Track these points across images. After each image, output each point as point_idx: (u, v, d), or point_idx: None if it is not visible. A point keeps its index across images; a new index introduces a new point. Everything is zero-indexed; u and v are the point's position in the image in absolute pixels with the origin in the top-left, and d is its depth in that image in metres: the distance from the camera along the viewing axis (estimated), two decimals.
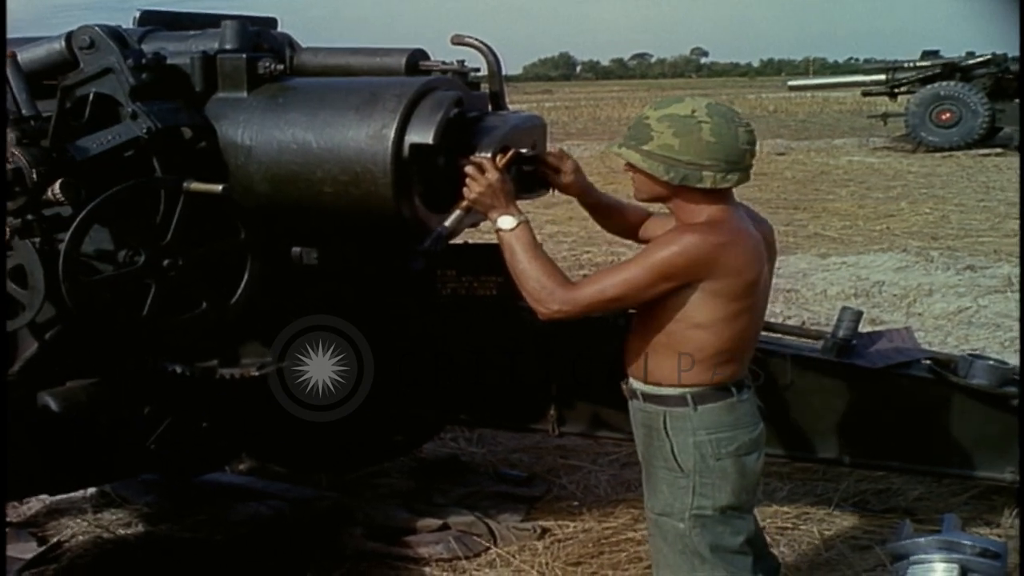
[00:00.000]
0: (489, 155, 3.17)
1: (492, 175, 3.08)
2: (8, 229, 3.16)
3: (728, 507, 3.05)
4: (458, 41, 3.65)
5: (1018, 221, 12.69)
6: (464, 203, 3.15)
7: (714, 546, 3.05)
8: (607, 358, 4.08)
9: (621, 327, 4.07)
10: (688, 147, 2.87)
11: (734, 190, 3.01)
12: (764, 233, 3.11)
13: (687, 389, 3.00)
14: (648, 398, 3.09)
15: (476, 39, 3.65)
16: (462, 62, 3.69)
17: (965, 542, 3.24)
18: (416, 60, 3.68)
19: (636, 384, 3.14)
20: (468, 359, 4.20)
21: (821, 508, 4.85)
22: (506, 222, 3.05)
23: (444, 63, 3.66)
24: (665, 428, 3.04)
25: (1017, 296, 9.03)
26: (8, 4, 3.24)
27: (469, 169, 3.11)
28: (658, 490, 3.11)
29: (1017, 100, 21.75)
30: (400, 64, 3.67)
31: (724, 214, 2.96)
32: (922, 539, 3.30)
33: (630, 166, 2.99)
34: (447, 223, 3.22)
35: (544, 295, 2.95)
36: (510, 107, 3.88)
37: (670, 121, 2.90)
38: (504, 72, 3.86)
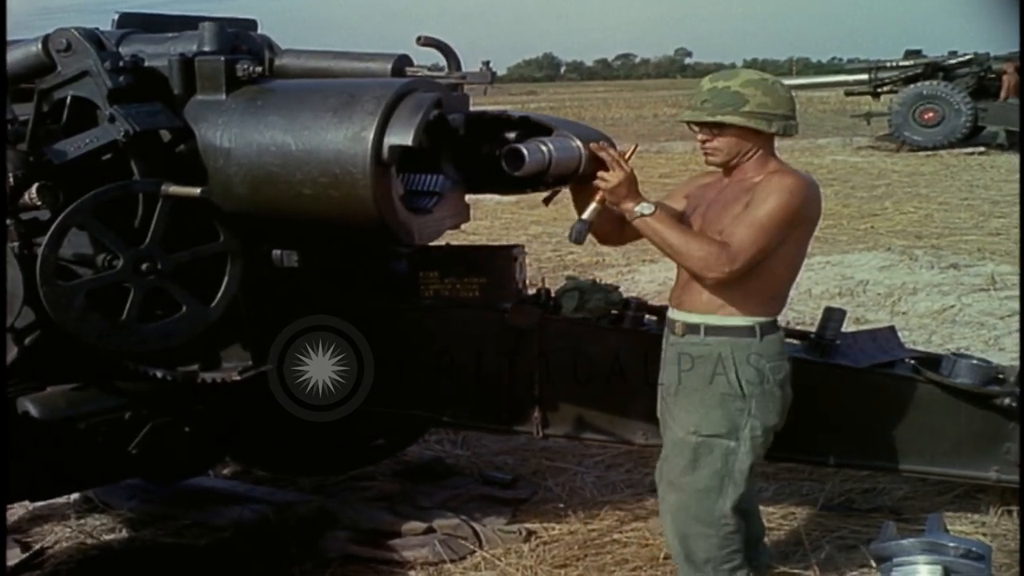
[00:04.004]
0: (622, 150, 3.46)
1: (627, 168, 3.40)
2: None
3: (771, 428, 3.49)
4: (427, 42, 3.68)
5: (1001, 220, 12.75)
6: (600, 196, 3.44)
7: (751, 465, 3.48)
8: (592, 360, 4.09)
9: (604, 328, 4.09)
10: (779, 103, 3.37)
11: None
12: None
13: (756, 319, 3.41)
14: (711, 330, 3.43)
15: (438, 40, 3.70)
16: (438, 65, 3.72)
17: (949, 543, 3.24)
18: (402, 66, 3.68)
19: (697, 317, 3.47)
20: (452, 361, 4.19)
21: (807, 508, 4.85)
22: (646, 208, 3.38)
23: (429, 68, 3.67)
24: (732, 356, 3.40)
25: (1000, 295, 9.06)
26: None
27: (608, 160, 3.40)
28: (709, 415, 3.44)
29: (999, 100, 21.83)
30: (385, 70, 3.68)
31: (787, 164, 3.48)
32: (906, 541, 3.30)
33: (714, 132, 3.38)
34: (585, 215, 3.45)
35: (713, 261, 3.29)
36: (493, 108, 3.90)
37: (755, 85, 3.35)
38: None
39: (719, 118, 3.35)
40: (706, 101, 3.38)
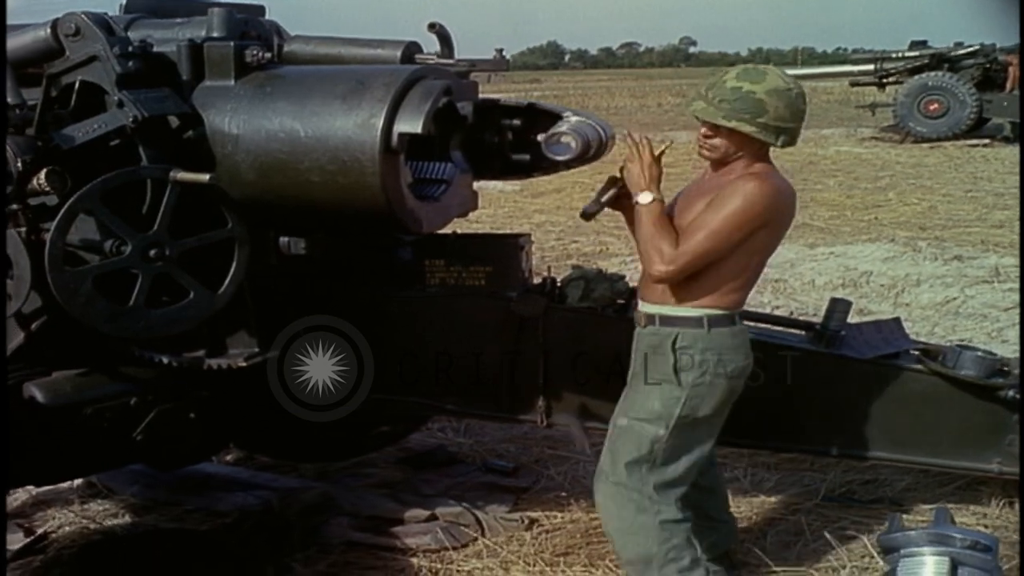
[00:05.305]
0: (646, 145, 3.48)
1: (648, 157, 3.45)
2: None
3: (704, 418, 3.50)
4: (440, 29, 3.71)
5: (1005, 212, 12.74)
6: (615, 177, 3.56)
7: (681, 451, 3.50)
8: (597, 349, 4.09)
9: (609, 318, 4.09)
10: (794, 116, 3.36)
11: None
12: None
13: (705, 311, 3.42)
14: (664, 320, 3.48)
15: (442, 26, 3.73)
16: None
17: (956, 535, 3.24)
18: (411, 53, 3.69)
19: (653, 308, 3.51)
20: (457, 349, 4.19)
21: (808, 499, 4.86)
22: (644, 197, 3.42)
23: (438, 55, 3.68)
24: (674, 346, 3.43)
25: (1004, 287, 9.05)
26: None
27: (632, 145, 3.48)
28: (645, 402, 3.50)
29: (1004, 92, 21.80)
30: (395, 57, 3.68)
31: (772, 167, 3.47)
32: (913, 532, 3.30)
33: (718, 131, 3.37)
34: (604, 199, 3.59)
35: (654, 256, 3.36)
36: (497, 95, 3.91)
37: (778, 96, 3.32)
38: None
39: (734, 124, 3.33)
40: (724, 101, 3.33)
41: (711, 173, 3.53)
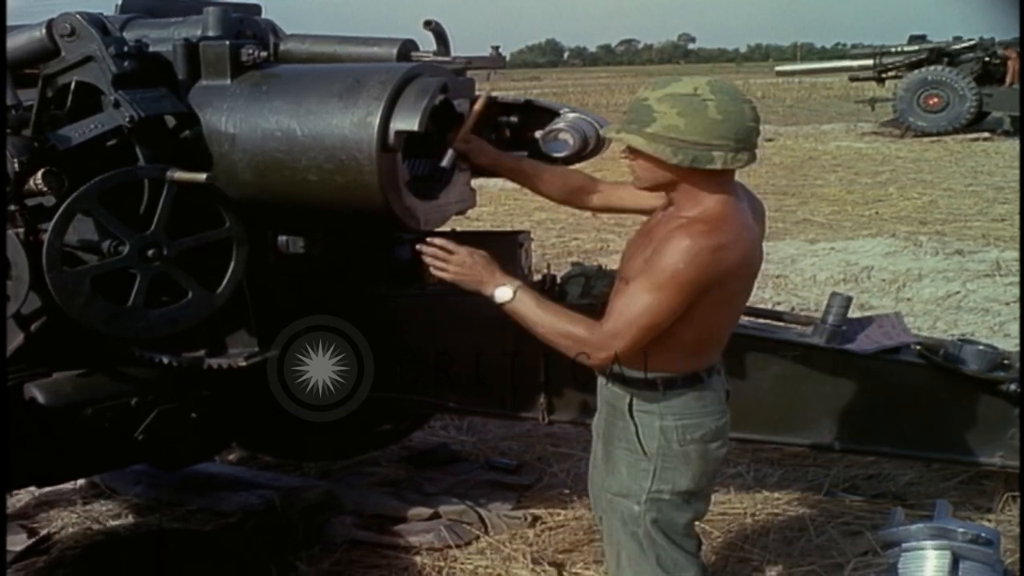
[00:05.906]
0: (447, 240, 3.12)
1: (460, 255, 3.04)
2: None
3: (686, 491, 3.03)
4: (436, 27, 3.70)
5: (1005, 206, 12.74)
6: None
7: (666, 528, 3.04)
8: None
9: None
10: (695, 127, 2.71)
11: None
12: (757, 213, 3.01)
13: (658, 374, 2.94)
14: (617, 378, 3.03)
15: (438, 23, 3.72)
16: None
17: (957, 529, 3.23)
18: (407, 51, 3.68)
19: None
20: (457, 347, 4.18)
21: (812, 493, 4.86)
22: (502, 294, 2.98)
23: (434, 53, 3.68)
24: (631, 410, 3.01)
25: (1005, 280, 9.05)
26: None
27: (434, 252, 3.07)
28: (616, 471, 3.08)
29: (1004, 85, 21.80)
30: (391, 55, 3.68)
31: (727, 206, 2.82)
32: (914, 526, 3.29)
33: (631, 152, 2.84)
34: (445, 162, 3.49)
35: (584, 347, 2.85)
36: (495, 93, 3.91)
37: (672, 101, 2.73)
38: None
39: (621, 135, 2.81)
40: (627, 113, 2.84)
41: (663, 213, 2.99)
